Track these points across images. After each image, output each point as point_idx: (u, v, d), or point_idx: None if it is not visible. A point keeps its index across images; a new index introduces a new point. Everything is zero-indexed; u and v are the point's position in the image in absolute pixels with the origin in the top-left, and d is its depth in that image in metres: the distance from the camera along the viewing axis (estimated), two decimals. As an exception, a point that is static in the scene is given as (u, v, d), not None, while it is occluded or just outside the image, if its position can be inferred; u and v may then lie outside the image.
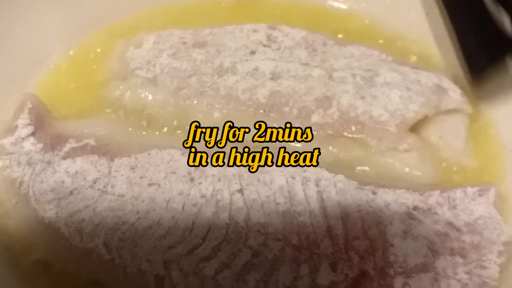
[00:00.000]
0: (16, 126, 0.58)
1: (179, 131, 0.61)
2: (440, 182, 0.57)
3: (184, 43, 0.66)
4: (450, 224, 0.50)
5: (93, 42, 0.70)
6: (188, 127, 0.61)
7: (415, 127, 0.60)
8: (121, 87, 0.63)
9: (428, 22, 0.69)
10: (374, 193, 0.51)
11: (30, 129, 0.58)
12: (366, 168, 0.57)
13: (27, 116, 0.58)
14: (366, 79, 0.61)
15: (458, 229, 0.50)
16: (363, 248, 0.48)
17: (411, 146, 0.58)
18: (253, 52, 0.64)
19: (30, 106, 0.59)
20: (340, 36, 0.70)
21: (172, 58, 0.64)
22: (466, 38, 0.63)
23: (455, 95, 0.61)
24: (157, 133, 0.61)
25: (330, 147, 0.58)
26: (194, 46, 0.65)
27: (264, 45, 0.65)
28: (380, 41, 0.70)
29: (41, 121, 0.59)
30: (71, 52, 0.69)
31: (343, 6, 0.74)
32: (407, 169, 0.57)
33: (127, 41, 0.67)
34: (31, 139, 0.58)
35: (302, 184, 0.52)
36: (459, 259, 0.48)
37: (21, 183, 0.55)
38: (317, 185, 0.52)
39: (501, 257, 0.49)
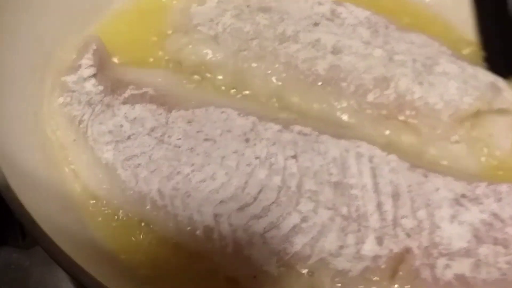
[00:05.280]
0: (79, 66, 0.59)
1: (235, 92, 0.62)
2: (485, 176, 0.58)
3: (248, 6, 0.66)
4: (495, 215, 0.51)
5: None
6: (244, 90, 0.62)
7: (467, 121, 0.61)
8: (183, 40, 0.64)
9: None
10: (425, 176, 0.53)
11: (92, 70, 0.59)
12: (417, 152, 0.58)
13: (91, 57, 0.59)
14: (426, 66, 0.61)
15: (502, 221, 0.51)
16: (410, 226, 0.49)
17: (461, 138, 0.59)
18: (316, 24, 0.64)
19: (94, 47, 0.60)
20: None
21: (235, 18, 0.65)
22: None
23: (509, 96, 0.62)
24: (214, 90, 0.62)
25: (382, 128, 0.59)
26: (258, 10, 0.66)
27: (328, 19, 0.65)
28: (439, 34, 0.71)
29: (103, 64, 0.60)
30: (136, -2, 0.70)
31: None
32: (455, 160, 0.58)
33: (191, -4, 0.68)
34: (93, 80, 0.59)
35: (356, 158, 0.53)
36: (501, 249, 0.49)
37: (80, 121, 0.56)
38: (370, 161, 0.53)
39: (542, 253, 0.50)
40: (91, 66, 0.59)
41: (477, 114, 0.61)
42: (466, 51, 0.70)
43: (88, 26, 0.65)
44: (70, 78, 0.58)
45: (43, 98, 0.57)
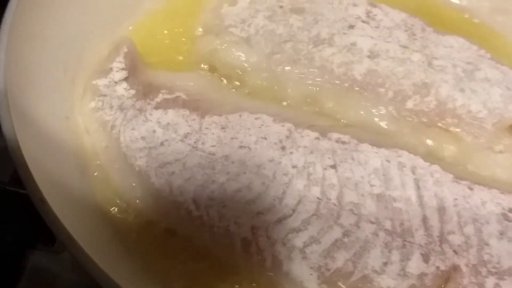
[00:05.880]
0: (111, 69, 0.57)
1: (269, 97, 0.60)
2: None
3: (281, 6, 0.64)
4: (545, 232, 0.49)
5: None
6: (278, 94, 0.60)
7: (510, 130, 0.58)
8: (215, 42, 0.61)
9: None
10: (470, 189, 0.50)
11: (124, 74, 0.57)
12: (459, 162, 0.56)
13: (123, 60, 0.57)
14: (467, 71, 0.59)
15: (553, 238, 0.49)
16: (457, 243, 0.47)
17: (506, 148, 0.56)
18: (351, 27, 0.62)
19: (126, 50, 0.58)
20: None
21: (268, 20, 0.62)
22: None
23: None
24: (247, 95, 0.60)
25: (423, 136, 0.57)
26: (291, 11, 0.63)
27: (363, 21, 0.63)
28: (474, 36, 0.68)
29: (135, 68, 0.58)
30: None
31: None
32: (499, 170, 0.56)
33: (223, -4, 0.65)
34: (124, 84, 0.56)
35: (398, 169, 0.51)
36: (553, 269, 0.47)
37: (112, 126, 0.54)
38: (413, 172, 0.51)
39: None
40: (122, 69, 0.57)
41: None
42: (504, 55, 0.68)
43: (119, 27, 0.63)
44: (101, 82, 0.56)
45: (75, 102, 0.55)
